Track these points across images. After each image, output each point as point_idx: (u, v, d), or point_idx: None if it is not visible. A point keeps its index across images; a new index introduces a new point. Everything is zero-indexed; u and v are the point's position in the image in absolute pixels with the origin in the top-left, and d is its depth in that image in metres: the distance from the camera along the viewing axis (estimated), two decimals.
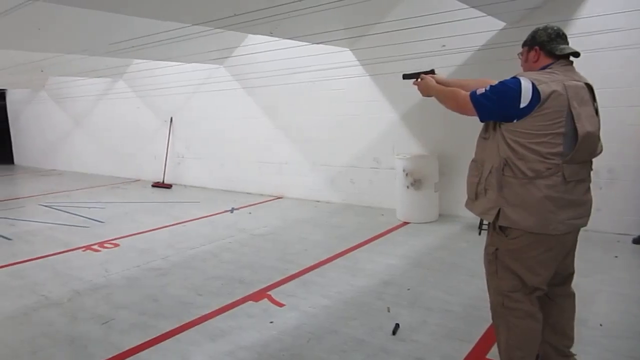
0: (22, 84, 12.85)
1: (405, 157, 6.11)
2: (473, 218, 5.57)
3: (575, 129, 2.08)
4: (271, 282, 4.13)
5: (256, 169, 8.51)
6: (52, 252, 5.23)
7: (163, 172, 9.93)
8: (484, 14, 5.11)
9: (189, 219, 6.70)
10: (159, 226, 6.33)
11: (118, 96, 10.96)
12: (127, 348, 3.05)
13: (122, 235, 5.88)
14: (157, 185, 9.82)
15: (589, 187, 2.25)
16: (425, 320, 3.31)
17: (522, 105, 2.05)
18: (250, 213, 7.02)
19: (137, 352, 3.00)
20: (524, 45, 2.34)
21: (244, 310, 3.58)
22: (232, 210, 7.18)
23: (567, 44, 2.24)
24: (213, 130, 9.12)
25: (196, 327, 3.33)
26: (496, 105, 2.14)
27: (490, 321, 2.46)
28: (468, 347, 2.93)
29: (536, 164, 2.08)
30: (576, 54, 2.22)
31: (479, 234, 5.34)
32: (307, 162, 7.79)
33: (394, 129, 6.71)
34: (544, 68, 2.21)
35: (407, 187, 6.03)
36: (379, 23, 6.29)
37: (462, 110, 2.30)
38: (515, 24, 5.30)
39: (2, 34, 5.74)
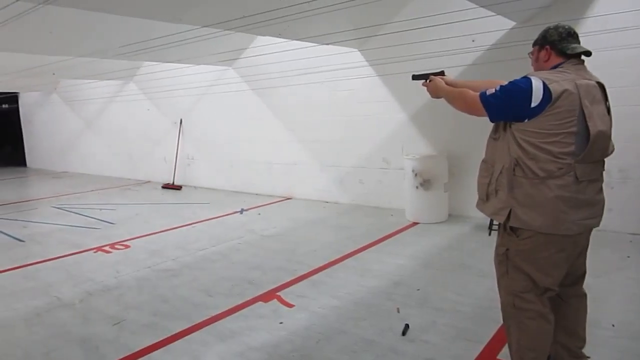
0: (34, 87, 13.00)
1: (414, 157, 6.09)
2: (483, 218, 5.54)
3: (587, 128, 2.06)
4: (281, 283, 4.13)
5: (265, 170, 8.53)
6: (64, 254, 5.29)
7: (173, 174, 9.99)
8: (494, 14, 5.09)
9: (199, 220, 6.73)
10: (170, 227, 6.37)
11: (128, 98, 11.05)
12: (138, 349, 3.08)
13: (133, 237, 5.93)
14: (167, 186, 9.88)
15: (601, 187, 2.23)
16: (435, 321, 3.30)
17: (534, 104, 2.04)
18: (259, 214, 7.04)
19: (149, 353, 3.02)
20: (534, 44, 2.32)
21: (254, 311, 3.59)
22: (241, 212, 7.20)
23: (579, 43, 2.22)
24: (222, 132, 9.16)
25: (206, 327, 3.35)
26: (506, 105, 2.12)
27: (501, 322, 2.44)
28: (478, 348, 2.91)
29: (548, 164, 2.06)
30: (588, 53, 2.19)
31: (489, 234, 5.31)
32: (316, 162, 7.79)
33: (403, 129, 6.69)
34: (555, 67, 2.20)
35: (417, 187, 6.01)
36: (387, 23, 6.28)
37: (471, 111, 2.29)
38: (525, 23, 5.26)
39: (15, 37, 5.81)
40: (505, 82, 2.16)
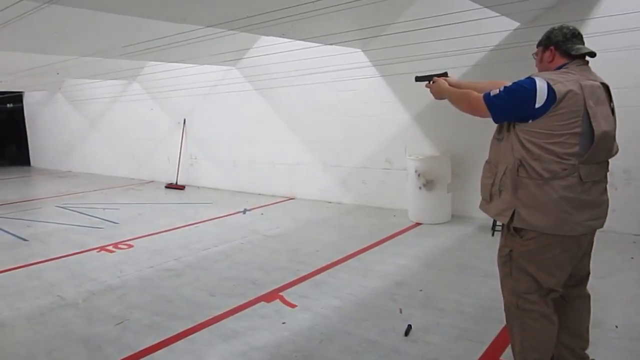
0: (39, 87, 13.05)
1: (417, 157, 6.09)
2: (486, 219, 5.53)
3: (591, 129, 2.05)
4: (283, 283, 4.14)
5: (268, 170, 8.54)
6: (67, 253, 5.30)
7: (176, 174, 10.01)
8: (498, 14, 5.07)
9: (202, 220, 6.74)
10: (173, 227, 6.39)
11: (132, 98, 11.08)
12: (141, 348, 3.08)
13: (136, 236, 5.94)
14: (170, 186, 9.90)
15: (605, 188, 2.22)
16: (437, 322, 3.29)
17: (538, 105, 2.03)
18: (262, 214, 7.05)
19: (151, 353, 3.03)
20: (538, 45, 2.32)
21: (256, 311, 3.60)
22: (244, 211, 7.21)
23: (583, 43, 2.22)
24: (226, 132, 9.17)
25: (209, 327, 3.35)
26: (510, 106, 2.12)
27: (504, 322, 2.44)
28: (481, 349, 2.90)
29: (552, 165, 2.05)
30: (592, 54, 2.19)
31: (492, 234, 5.30)
32: (319, 163, 7.80)
33: (406, 129, 6.69)
34: (559, 68, 2.19)
35: (420, 188, 6.01)
36: (391, 24, 6.27)
37: (475, 112, 2.28)
38: (529, 24, 5.25)
39: (20, 37, 5.83)
40: (509, 83, 2.16)
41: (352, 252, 4.96)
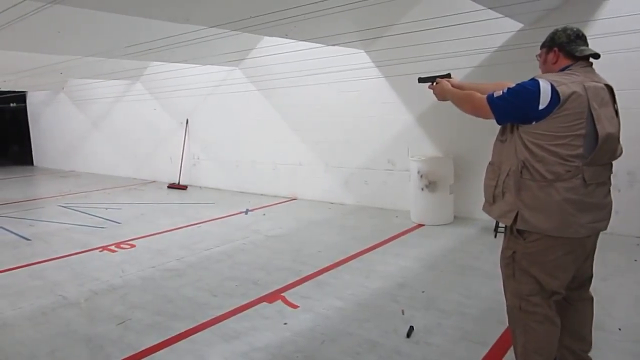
0: (42, 86, 13.08)
1: (420, 158, 6.08)
2: (488, 220, 5.51)
3: (595, 131, 2.04)
4: (285, 284, 4.13)
5: (270, 170, 8.54)
6: (70, 253, 5.31)
7: (179, 174, 10.02)
8: (502, 15, 5.06)
9: (204, 220, 6.75)
10: (175, 227, 6.39)
11: (135, 98, 11.10)
12: (143, 348, 3.09)
13: (138, 236, 5.95)
14: (172, 186, 9.92)
15: (609, 190, 2.21)
16: (439, 323, 3.28)
17: (541, 106, 2.03)
18: (264, 214, 7.05)
19: (153, 353, 3.03)
20: (542, 46, 2.31)
21: (258, 312, 3.59)
22: (246, 212, 7.21)
23: (587, 45, 2.21)
24: (228, 132, 9.18)
25: (211, 328, 3.35)
26: (514, 108, 2.11)
27: (506, 324, 2.43)
28: (484, 351, 2.90)
29: (556, 167, 2.05)
30: (596, 56, 2.18)
31: (495, 236, 5.29)
32: (321, 163, 7.79)
33: (408, 130, 6.68)
34: (563, 69, 2.19)
35: (422, 189, 6.00)
36: (394, 25, 6.27)
37: (478, 113, 2.28)
38: (533, 25, 5.24)
39: (23, 37, 5.85)
40: (513, 84, 2.15)
41: (354, 252, 4.95)
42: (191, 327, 3.36)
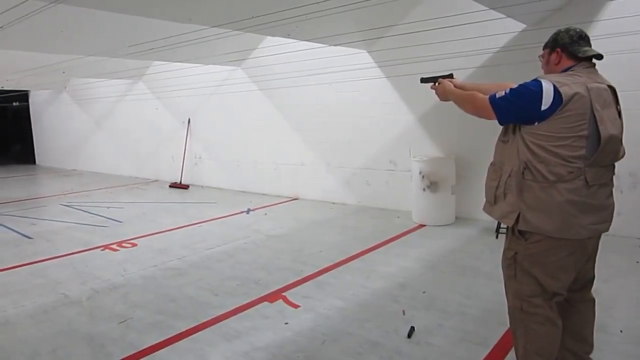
0: (45, 86, 13.11)
1: (422, 159, 6.07)
2: (490, 221, 5.50)
3: (597, 132, 2.04)
4: (286, 284, 4.13)
5: (272, 170, 8.55)
6: (71, 251, 5.32)
7: (180, 173, 10.03)
8: (504, 16, 5.06)
9: (206, 220, 6.75)
10: (176, 226, 6.40)
11: (137, 97, 11.11)
12: (144, 347, 3.09)
13: (140, 235, 5.96)
14: (174, 185, 9.93)
15: (611, 192, 2.21)
16: (440, 324, 3.28)
17: (544, 107, 2.02)
18: (266, 214, 7.05)
19: (154, 352, 3.03)
20: (545, 47, 2.31)
21: (259, 311, 3.60)
22: (248, 211, 7.21)
23: (590, 46, 2.20)
24: (230, 132, 9.19)
25: (212, 327, 3.35)
26: (516, 108, 2.11)
27: (508, 325, 2.43)
28: (484, 352, 2.89)
29: (558, 168, 2.04)
30: (599, 56, 2.18)
31: (497, 237, 5.28)
32: (323, 163, 7.80)
33: (410, 130, 6.68)
34: (565, 70, 2.18)
35: (424, 189, 6.00)
36: (396, 25, 6.27)
37: (480, 114, 2.28)
38: (536, 26, 5.23)
39: (26, 36, 5.86)
40: (515, 85, 2.15)
41: (355, 253, 4.95)
42: (192, 326, 3.37)
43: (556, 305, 2.23)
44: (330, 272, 4.43)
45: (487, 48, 5.74)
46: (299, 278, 4.27)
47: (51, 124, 14.64)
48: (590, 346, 2.41)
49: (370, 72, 6.92)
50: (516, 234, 2.21)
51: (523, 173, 2.12)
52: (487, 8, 4.73)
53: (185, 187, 9.78)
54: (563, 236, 2.09)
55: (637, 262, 4.39)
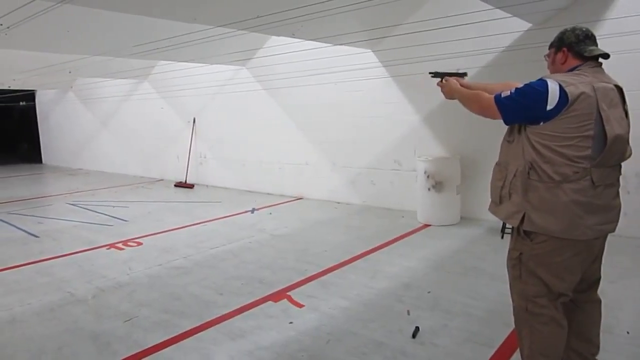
0: (51, 85, 13.19)
1: (427, 159, 6.06)
2: (495, 221, 5.49)
3: (604, 132, 2.02)
4: (291, 283, 4.14)
5: (277, 169, 8.56)
6: (77, 250, 5.35)
7: (185, 172, 10.06)
8: (510, 15, 5.04)
9: (211, 219, 6.77)
10: (181, 225, 6.42)
11: (143, 97, 11.15)
12: (149, 345, 3.10)
13: (145, 234, 5.98)
14: (179, 185, 9.96)
15: (617, 192, 2.19)
16: (445, 324, 3.27)
17: (549, 107, 2.01)
18: (270, 213, 7.06)
19: (159, 350, 3.04)
20: (551, 46, 2.29)
21: (263, 311, 3.60)
22: (252, 211, 7.22)
23: (596, 45, 2.19)
24: (235, 131, 9.20)
25: (217, 326, 3.36)
26: (522, 108, 2.10)
27: (513, 326, 2.42)
28: (490, 352, 2.88)
29: (563, 168, 2.03)
30: (605, 56, 2.16)
31: (502, 237, 5.26)
32: (328, 163, 7.79)
33: (415, 130, 6.66)
34: (571, 70, 2.17)
35: (429, 189, 5.98)
36: (401, 24, 6.26)
37: (486, 113, 2.27)
38: (542, 25, 5.21)
39: (32, 36, 5.89)
40: (521, 85, 2.14)
41: (360, 252, 4.95)
42: (197, 325, 3.38)
43: (562, 306, 2.22)
44: (335, 271, 4.43)
45: (493, 47, 5.72)
46: (303, 277, 4.27)
47: (57, 123, 14.72)
48: (596, 347, 2.39)
49: (375, 72, 6.91)
50: (521, 234, 2.20)
51: (528, 173, 2.11)
52: (492, 7, 4.71)
53: (190, 186, 9.80)
54: (568, 237, 2.07)
55: None
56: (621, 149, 2.11)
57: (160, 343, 3.13)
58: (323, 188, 7.88)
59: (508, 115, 2.16)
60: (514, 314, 2.33)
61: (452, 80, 2.55)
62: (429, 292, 3.84)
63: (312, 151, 7.96)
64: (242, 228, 6.22)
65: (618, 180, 2.19)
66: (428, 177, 5.96)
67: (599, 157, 2.04)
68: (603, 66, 2.20)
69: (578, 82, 2.03)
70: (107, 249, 5.42)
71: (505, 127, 2.29)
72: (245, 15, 4.94)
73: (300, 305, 3.66)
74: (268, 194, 8.60)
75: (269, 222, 6.49)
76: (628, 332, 3.04)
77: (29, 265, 4.86)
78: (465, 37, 5.72)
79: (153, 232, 6.08)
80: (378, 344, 3.03)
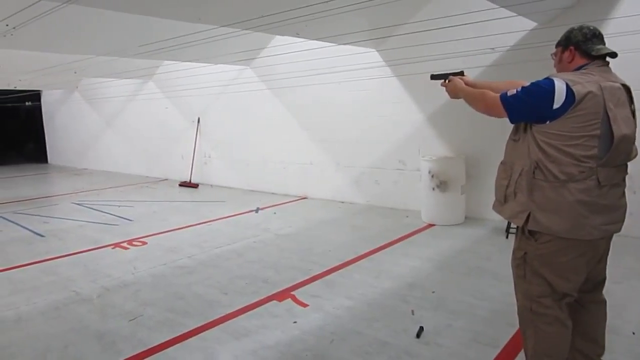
0: (56, 85, 13.25)
1: (431, 158, 6.05)
2: (500, 221, 5.47)
3: (610, 131, 2.01)
4: (295, 282, 4.14)
5: (281, 169, 8.56)
6: (82, 249, 5.37)
7: (190, 172, 10.08)
8: (515, 14, 5.02)
9: (215, 218, 6.78)
10: (186, 225, 6.43)
11: (147, 97, 11.19)
12: (154, 344, 3.11)
13: (149, 234, 6.00)
14: (184, 184, 9.98)
15: (623, 192, 2.18)
16: (450, 324, 3.27)
17: (556, 106, 2.00)
18: (275, 213, 7.07)
19: (164, 349, 3.05)
20: (557, 45, 2.28)
21: (268, 310, 3.61)
22: (257, 210, 7.23)
23: (604, 44, 2.17)
24: (239, 131, 9.22)
25: (221, 325, 3.37)
26: (528, 107, 2.09)
27: (517, 326, 2.41)
28: (494, 352, 2.88)
29: (569, 167, 2.02)
30: (613, 55, 2.15)
31: (506, 237, 5.24)
32: (332, 162, 7.79)
33: (420, 130, 6.65)
34: (578, 69, 2.15)
35: (433, 189, 5.97)
36: (406, 23, 6.24)
37: (491, 112, 2.25)
38: (547, 24, 5.18)
39: (38, 37, 5.92)
40: (527, 83, 2.13)
41: (364, 252, 4.94)
42: (201, 324, 3.39)
43: (567, 307, 2.21)
44: (339, 271, 4.43)
45: (498, 46, 5.69)
46: (307, 277, 4.27)
47: (63, 123, 14.79)
48: (601, 348, 2.38)
49: (379, 71, 6.90)
50: (526, 234, 2.19)
51: (534, 172, 2.10)
52: (498, 6, 4.69)
53: (195, 186, 9.83)
54: (574, 236, 2.06)
55: None
56: (627, 148, 2.10)
57: (165, 342, 3.14)
58: (327, 188, 7.87)
59: (514, 114, 2.15)
60: (519, 314, 2.32)
61: (457, 79, 2.54)
62: (433, 292, 3.84)
63: (316, 151, 7.96)
64: (246, 228, 6.23)
65: (624, 180, 2.18)
66: (432, 176, 5.95)
67: (605, 157, 2.02)
68: (610, 65, 2.18)
69: (585, 81, 2.02)
70: (112, 248, 5.44)
71: (510, 126, 2.28)
72: (249, 15, 4.95)
73: (305, 305, 3.66)
74: (272, 193, 8.61)
75: (273, 222, 6.50)
76: (634, 333, 3.03)
77: (35, 265, 4.89)
78: (470, 36, 5.70)
79: (158, 232, 6.10)
80: (382, 343, 3.03)
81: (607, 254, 2.31)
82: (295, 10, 4.71)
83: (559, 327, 2.17)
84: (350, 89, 7.28)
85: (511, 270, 2.35)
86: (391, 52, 6.70)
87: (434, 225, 5.99)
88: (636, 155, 2.18)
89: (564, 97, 1.99)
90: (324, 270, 4.45)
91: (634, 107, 2.17)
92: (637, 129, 2.19)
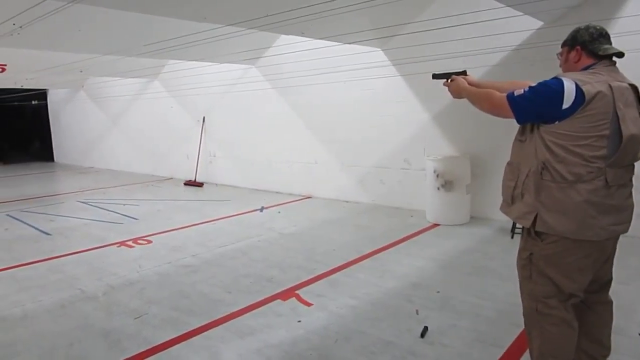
0: (62, 84, 13.32)
1: (436, 158, 6.03)
2: (505, 221, 5.45)
3: (619, 131, 2.00)
4: (299, 282, 4.14)
5: (286, 168, 8.57)
6: (88, 248, 5.40)
7: (195, 171, 10.11)
8: (521, 13, 5.00)
9: (220, 217, 6.79)
10: (190, 224, 6.45)
11: (153, 96, 11.22)
12: (158, 343, 3.12)
13: (154, 232, 6.02)
14: (189, 183, 10.01)
15: (630, 192, 2.17)
16: (454, 324, 3.26)
17: (565, 106, 1.98)
18: (279, 212, 7.07)
19: (168, 347, 3.06)
20: (563, 45, 2.26)
21: (272, 309, 3.61)
22: (261, 209, 7.24)
23: (610, 43, 2.16)
24: (244, 130, 9.23)
25: (225, 324, 3.37)
26: (536, 107, 2.07)
27: (522, 326, 2.40)
28: (499, 353, 2.87)
29: (578, 168, 2.01)
30: (620, 54, 2.13)
31: (512, 237, 5.22)
32: (337, 162, 7.79)
33: (425, 129, 6.63)
34: (585, 69, 2.14)
35: (438, 188, 5.96)
36: (411, 23, 6.23)
37: (497, 112, 2.24)
38: (553, 23, 5.16)
39: (44, 36, 5.95)
40: (533, 83, 2.11)
41: (368, 252, 4.94)
42: (206, 322, 3.39)
43: (573, 307, 2.20)
44: (343, 270, 4.43)
45: (504, 46, 5.67)
46: (311, 276, 4.27)
47: (69, 122, 14.86)
48: (607, 349, 2.37)
49: (384, 71, 6.89)
50: (532, 235, 2.18)
51: (541, 173, 2.08)
52: (504, 5, 4.67)
53: (200, 185, 9.85)
54: (581, 237, 2.05)
55: None
56: (635, 149, 2.08)
57: (170, 340, 3.15)
58: (332, 187, 7.87)
59: (521, 114, 2.13)
60: (524, 315, 2.32)
61: (459, 79, 2.52)
62: (437, 292, 3.83)
63: (321, 150, 7.96)
64: (250, 227, 6.24)
65: (631, 181, 2.16)
66: (437, 176, 5.94)
67: (614, 157, 2.01)
68: (617, 65, 2.17)
69: (594, 81, 2.00)
70: (118, 246, 5.46)
71: (516, 126, 2.26)
72: (254, 14, 4.95)
73: (309, 304, 3.66)
74: (277, 192, 8.62)
75: (277, 221, 6.50)
76: (639, 334, 3.01)
77: (41, 263, 4.92)
78: (476, 35, 5.68)
79: (163, 230, 6.12)
80: (386, 343, 3.03)
81: (614, 255, 2.30)
82: (301, 9, 4.71)
83: (564, 328, 2.16)
84: (355, 88, 7.27)
85: (516, 271, 2.34)
86: (396, 51, 6.69)
87: (438, 225, 5.97)
88: None
89: (574, 97, 1.97)
90: (329, 269, 4.45)
91: None
92: None
